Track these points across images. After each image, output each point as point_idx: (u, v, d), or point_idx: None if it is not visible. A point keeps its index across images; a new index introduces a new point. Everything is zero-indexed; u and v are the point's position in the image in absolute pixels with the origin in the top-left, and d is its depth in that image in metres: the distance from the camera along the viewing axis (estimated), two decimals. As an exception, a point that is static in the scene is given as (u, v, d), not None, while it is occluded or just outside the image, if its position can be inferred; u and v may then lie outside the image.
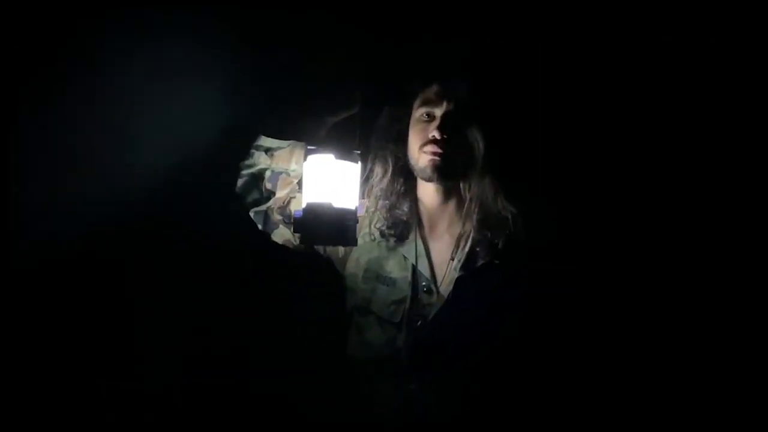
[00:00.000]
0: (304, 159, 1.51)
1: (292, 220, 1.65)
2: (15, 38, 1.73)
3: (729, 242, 1.78)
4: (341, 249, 1.71)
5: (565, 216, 1.61)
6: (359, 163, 1.52)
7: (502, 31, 1.78)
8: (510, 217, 1.59)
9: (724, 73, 1.79)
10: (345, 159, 1.49)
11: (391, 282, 1.66)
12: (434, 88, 1.64)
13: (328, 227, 1.44)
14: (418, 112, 1.65)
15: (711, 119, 1.80)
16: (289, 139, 1.66)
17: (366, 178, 1.68)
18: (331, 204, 1.44)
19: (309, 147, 1.50)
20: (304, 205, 1.47)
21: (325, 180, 1.47)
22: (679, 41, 1.80)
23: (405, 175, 1.68)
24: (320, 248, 1.73)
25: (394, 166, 1.69)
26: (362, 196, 1.67)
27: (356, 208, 1.49)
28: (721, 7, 1.78)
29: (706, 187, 1.80)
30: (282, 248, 1.70)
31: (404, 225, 1.67)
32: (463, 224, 1.64)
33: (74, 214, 1.72)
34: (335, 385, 1.71)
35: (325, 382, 1.76)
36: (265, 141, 1.66)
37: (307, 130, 1.62)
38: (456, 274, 1.61)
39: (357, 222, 1.47)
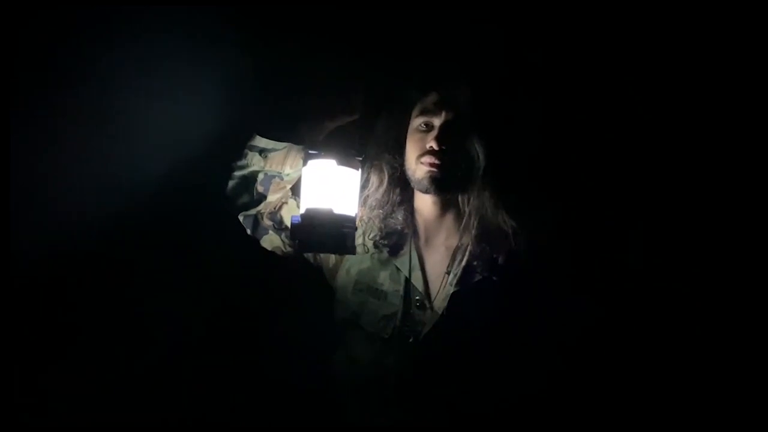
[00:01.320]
0: (304, 163, 1.46)
1: (283, 226, 1.61)
2: (14, 38, 1.69)
3: (732, 251, 1.77)
4: (332, 258, 1.65)
5: (568, 228, 1.58)
6: (360, 170, 1.47)
7: (504, 41, 1.76)
8: (511, 231, 1.55)
9: (724, 74, 1.79)
10: (346, 165, 1.44)
11: (382, 295, 1.59)
12: (433, 97, 1.60)
13: (326, 234, 1.39)
14: (416, 122, 1.60)
15: (715, 128, 1.80)
16: (286, 142, 1.59)
17: (362, 187, 1.61)
18: (331, 210, 1.39)
19: (310, 151, 1.45)
20: (302, 211, 1.41)
21: (326, 186, 1.42)
22: (679, 41, 1.79)
23: (402, 185, 1.63)
24: (310, 257, 1.66)
25: (390, 176, 1.63)
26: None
27: (356, 215, 1.44)
28: (721, 7, 1.78)
29: (711, 198, 1.79)
30: (270, 255, 1.64)
31: (399, 235, 1.62)
32: (461, 237, 1.59)
33: (70, 214, 1.70)
34: (319, 403, 1.64)
35: (308, 399, 1.69)
36: (260, 141, 1.59)
37: (305, 134, 1.57)
38: (451, 289, 1.55)
39: (356, 229, 1.42)
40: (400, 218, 1.62)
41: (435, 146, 1.54)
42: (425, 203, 1.62)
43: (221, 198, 1.62)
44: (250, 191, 1.61)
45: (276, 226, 1.62)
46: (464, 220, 1.59)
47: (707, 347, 1.75)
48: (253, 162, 1.60)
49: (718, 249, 1.79)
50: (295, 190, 1.60)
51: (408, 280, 1.58)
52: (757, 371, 1.73)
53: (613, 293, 1.64)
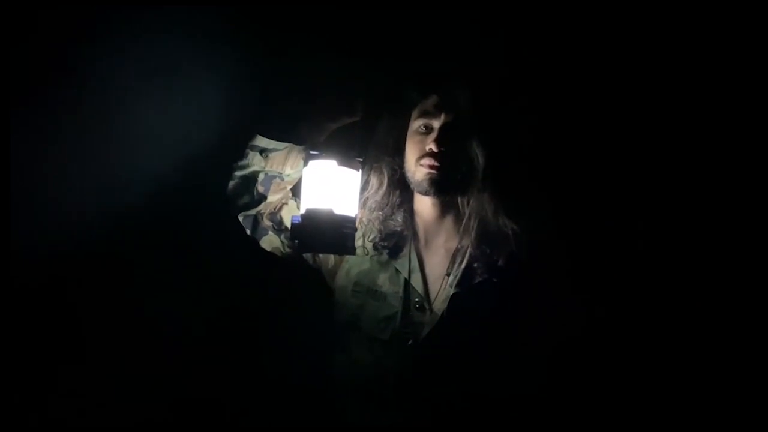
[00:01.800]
0: (305, 164, 1.46)
1: (282, 227, 1.61)
2: (14, 38, 1.70)
3: (732, 250, 1.77)
4: (331, 260, 1.65)
5: (568, 229, 1.58)
6: (360, 170, 1.47)
7: (504, 41, 1.76)
8: (511, 233, 1.54)
9: (723, 74, 1.79)
10: (347, 166, 1.44)
11: (381, 297, 1.59)
12: (433, 99, 1.59)
13: (327, 234, 1.39)
14: (416, 124, 1.59)
15: (714, 128, 1.79)
16: (287, 142, 1.59)
17: (361, 189, 1.59)
18: (331, 210, 1.39)
19: (311, 152, 1.45)
20: (302, 211, 1.41)
21: (326, 186, 1.43)
22: (679, 41, 1.79)
23: (401, 187, 1.63)
24: (309, 258, 1.66)
25: (390, 178, 1.63)
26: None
27: (356, 216, 1.44)
28: (721, 7, 1.78)
29: (711, 198, 1.79)
30: (270, 255, 1.64)
31: (398, 237, 1.61)
32: (461, 239, 1.59)
33: (70, 214, 1.71)
34: (319, 403, 1.64)
35: (308, 399, 1.70)
36: (261, 141, 1.58)
37: (306, 135, 1.56)
38: (451, 291, 1.55)
39: (356, 230, 1.42)
40: (399, 220, 1.62)
41: (434, 148, 1.54)
42: (425, 205, 1.62)
43: (221, 198, 1.61)
44: (250, 191, 1.60)
45: (276, 227, 1.62)
46: (464, 222, 1.58)
47: (707, 347, 1.75)
48: (254, 162, 1.59)
49: (718, 248, 1.79)
50: (296, 191, 1.61)
51: (407, 282, 1.58)
52: (757, 371, 1.73)
53: (613, 293, 1.64)
